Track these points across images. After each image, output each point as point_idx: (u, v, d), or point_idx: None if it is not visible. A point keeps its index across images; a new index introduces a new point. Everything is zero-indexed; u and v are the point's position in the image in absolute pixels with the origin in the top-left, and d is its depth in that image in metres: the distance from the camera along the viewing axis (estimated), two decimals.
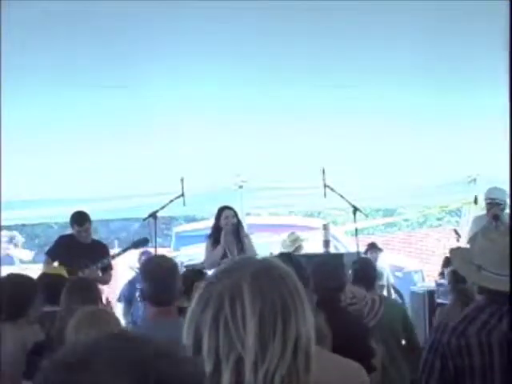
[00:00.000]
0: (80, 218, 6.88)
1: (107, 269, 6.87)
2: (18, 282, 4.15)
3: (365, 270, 5.59)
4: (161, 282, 3.44)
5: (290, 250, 8.10)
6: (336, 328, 2.82)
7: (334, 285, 4.10)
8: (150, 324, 3.54)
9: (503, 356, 2.64)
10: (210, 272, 5.75)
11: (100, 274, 6.74)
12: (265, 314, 1.30)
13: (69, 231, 7.30)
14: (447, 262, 8.88)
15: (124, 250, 7.24)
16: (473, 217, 8.98)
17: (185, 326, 1.37)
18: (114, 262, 7.18)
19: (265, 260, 1.48)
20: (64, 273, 6.24)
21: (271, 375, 1.29)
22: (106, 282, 6.85)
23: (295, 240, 8.34)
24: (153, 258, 4.51)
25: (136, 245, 7.15)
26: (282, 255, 4.07)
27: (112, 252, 7.48)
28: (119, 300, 9.04)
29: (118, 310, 8.63)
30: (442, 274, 8.85)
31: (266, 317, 1.30)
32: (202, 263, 7.28)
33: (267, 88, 6.53)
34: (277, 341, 1.29)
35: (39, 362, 3.16)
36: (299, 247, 8.20)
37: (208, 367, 1.30)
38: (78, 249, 6.71)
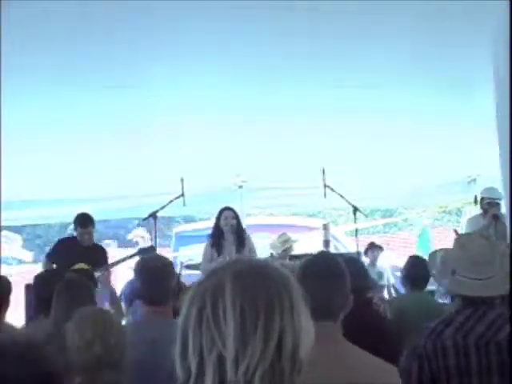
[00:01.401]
0: (84, 220, 6.86)
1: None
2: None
3: (414, 270, 5.37)
4: (153, 280, 3.44)
5: (279, 250, 8.06)
6: (363, 328, 2.83)
7: (365, 283, 4.03)
8: (143, 323, 3.54)
9: (480, 358, 2.65)
10: None
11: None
12: (246, 309, 1.31)
13: (69, 232, 7.30)
14: None
15: (129, 257, 7.27)
16: (467, 218, 9.00)
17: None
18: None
19: (255, 260, 1.50)
20: (85, 265, 6.27)
21: (252, 370, 1.29)
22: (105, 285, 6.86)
23: (286, 241, 8.29)
24: (146, 258, 4.50)
25: (142, 252, 7.15)
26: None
27: (113, 254, 7.48)
28: (119, 300, 9.03)
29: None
30: None
31: (247, 312, 1.31)
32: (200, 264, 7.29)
33: (267, 88, 6.53)
34: (258, 336, 1.30)
35: None
36: (289, 248, 8.16)
37: (192, 367, 1.31)
38: (79, 251, 6.68)
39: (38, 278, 4.53)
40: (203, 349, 1.31)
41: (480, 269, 2.73)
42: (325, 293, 2.44)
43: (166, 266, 3.64)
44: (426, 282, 5.36)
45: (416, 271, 5.33)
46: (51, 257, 6.88)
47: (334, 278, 2.46)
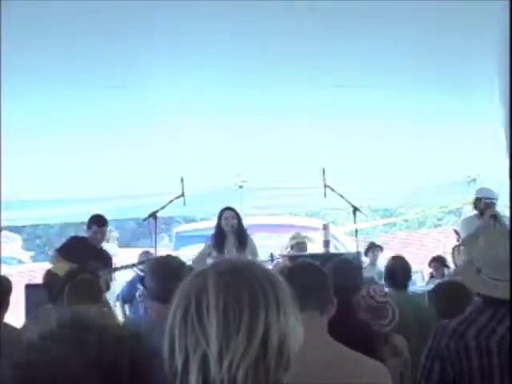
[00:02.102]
0: (100, 220, 6.99)
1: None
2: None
3: (395, 270, 5.41)
4: (167, 279, 3.44)
5: (288, 248, 8.06)
6: (343, 332, 2.83)
7: (348, 285, 4.03)
8: (154, 321, 3.53)
9: (502, 359, 2.63)
10: None
11: None
12: (229, 307, 1.32)
13: (70, 232, 7.32)
14: (433, 262, 8.88)
15: (134, 265, 7.36)
16: (462, 219, 9.01)
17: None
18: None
19: (239, 260, 1.52)
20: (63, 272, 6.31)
21: (236, 366, 1.30)
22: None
23: (293, 237, 8.31)
24: (160, 257, 4.53)
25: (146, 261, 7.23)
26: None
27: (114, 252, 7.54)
28: (117, 299, 9.04)
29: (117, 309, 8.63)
30: (432, 277, 8.82)
31: (231, 310, 1.32)
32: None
33: (267, 88, 6.54)
34: (242, 332, 1.31)
35: None
36: (297, 245, 8.15)
37: (178, 365, 1.34)
38: (89, 252, 6.76)
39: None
40: (188, 348, 1.33)
41: (505, 270, 2.70)
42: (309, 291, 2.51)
43: (180, 265, 3.65)
44: (408, 281, 5.47)
45: (399, 271, 5.38)
46: (62, 252, 6.91)
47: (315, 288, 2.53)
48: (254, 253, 7.02)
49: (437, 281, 7.54)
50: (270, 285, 1.38)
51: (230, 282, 1.36)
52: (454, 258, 8.18)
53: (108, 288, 6.81)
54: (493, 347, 2.64)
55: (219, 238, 7.01)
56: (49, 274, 6.29)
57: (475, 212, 7.91)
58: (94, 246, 6.91)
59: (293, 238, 8.32)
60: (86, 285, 4.01)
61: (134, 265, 7.56)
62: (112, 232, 11.91)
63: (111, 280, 6.90)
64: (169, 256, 4.72)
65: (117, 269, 7.23)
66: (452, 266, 8.06)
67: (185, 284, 1.41)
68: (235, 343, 1.30)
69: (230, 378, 1.30)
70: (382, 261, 9.80)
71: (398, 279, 5.35)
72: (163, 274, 3.50)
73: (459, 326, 2.71)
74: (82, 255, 6.62)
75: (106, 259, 6.96)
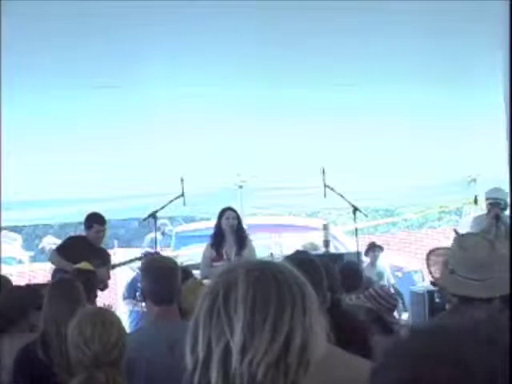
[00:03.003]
0: (100, 219, 6.97)
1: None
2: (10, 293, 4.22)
3: (347, 272, 5.41)
4: (161, 280, 3.44)
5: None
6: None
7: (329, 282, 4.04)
8: (152, 324, 3.53)
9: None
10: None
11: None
12: (256, 303, 1.34)
13: (70, 232, 7.32)
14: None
15: (133, 260, 7.37)
16: (472, 217, 8.98)
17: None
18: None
19: (269, 260, 1.53)
20: (89, 265, 6.35)
21: (257, 363, 1.31)
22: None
23: (308, 246, 8.38)
24: (153, 258, 4.52)
25: (147, 256, 7.24)
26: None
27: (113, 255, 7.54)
28: (124, 299, 9.05)
29: (120, 309, 8.63)
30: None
31: (258, 306, 1.34)
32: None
33: (267, 88, 6.54)
34: (266, 330, 1.32)
35: (29, 365, 3.12)
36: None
37: (200, 357, 1.34)
38: (89, 251, 6.76)
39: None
40: (211, 339, 1.33)
41: (479, 270, 2.70)
42: None
43: (173, 265, 3.64)
44: (358, 284, 5.39)
45: (350, 276, 5.33)
46: (62, 251, 6.90)
47: None
48: (253, 255, 6.99)
49: None
50: (297, 287, 1.40)
51: (259, 279, 1.37)
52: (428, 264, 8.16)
53: (105, 287, 6.81)
54: None
55: (218, 237, 7.00)
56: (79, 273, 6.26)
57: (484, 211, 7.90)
58: (93, 244, 6.89)
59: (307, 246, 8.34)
60: (67, 285, 3.96)
61: (131, 260, 7.55)
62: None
63: (109, 279, 6.89)
64: (161, 256, 4.72)
65: (114, 266, 7.22)
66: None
67: (214, 278, 1.43)
68: (259, 339, 1.31)
69: (250, 373, 1.31)
70: (382, 261, 9.82)
71: (348, 284, 5.30)
72: (155, 275, 3.49)
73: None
74: (81, 254, 6.62)
75: (105, 258, 6.96)
